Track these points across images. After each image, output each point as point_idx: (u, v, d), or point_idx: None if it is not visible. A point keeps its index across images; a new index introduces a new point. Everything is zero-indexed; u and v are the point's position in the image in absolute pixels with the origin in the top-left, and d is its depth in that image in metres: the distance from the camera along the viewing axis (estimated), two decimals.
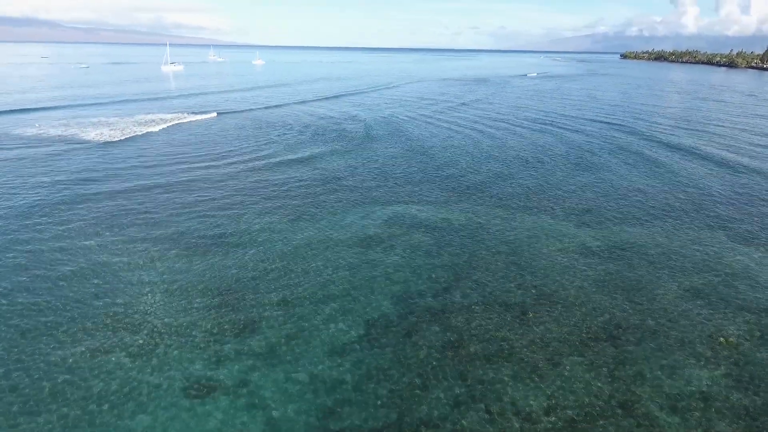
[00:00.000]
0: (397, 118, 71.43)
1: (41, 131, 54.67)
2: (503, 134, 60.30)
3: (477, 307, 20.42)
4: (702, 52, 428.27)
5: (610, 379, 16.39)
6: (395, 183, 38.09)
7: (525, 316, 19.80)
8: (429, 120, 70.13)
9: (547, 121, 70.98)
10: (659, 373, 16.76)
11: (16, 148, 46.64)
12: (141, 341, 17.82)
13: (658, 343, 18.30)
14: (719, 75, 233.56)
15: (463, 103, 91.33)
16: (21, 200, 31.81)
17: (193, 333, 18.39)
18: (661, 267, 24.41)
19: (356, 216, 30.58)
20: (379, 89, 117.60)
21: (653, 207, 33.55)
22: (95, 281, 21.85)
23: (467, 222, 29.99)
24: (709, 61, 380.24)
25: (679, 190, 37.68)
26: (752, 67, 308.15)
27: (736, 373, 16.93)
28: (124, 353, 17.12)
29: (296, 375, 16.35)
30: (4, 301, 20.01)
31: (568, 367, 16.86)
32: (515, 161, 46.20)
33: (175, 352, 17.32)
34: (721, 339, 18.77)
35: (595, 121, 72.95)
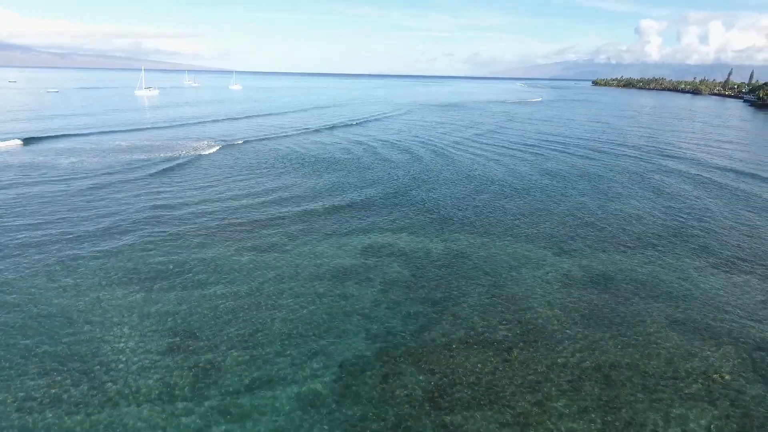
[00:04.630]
0: (372, 142, 70.70)
1: None
2: (481, 159, 59.99)
3: (458, 346, 18.98)
4: (668, 80, 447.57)
5: (602, 427, 15.05)
6: (371, 210, 36.78)
7: (510, 355, 18.42)
8: (406, 144, 69.58)
9: (526, 147, 71.27)
10: (654, 416, 15.52)
11: None
12: (79, 394, 15.73)
13: (651, 383, 17.11)
14: (685, 101, 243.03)
15: (442, 128, 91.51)
16: None
17: (144, 381, 16.39)
18: (648, 297, 23.49)
19: (329, 246, 29.04)
20: (358, 114, 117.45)
21: (637, 233, 33.00)
22: (41, 317, 19.61)
23: (446, 251, 28.76)
24: (675, 88, 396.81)
25: (664, 215, 37.40)
26: (714, 94, 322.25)
27: (734, 413, 15.82)
28: (58, 409, 15.00)
29: (258, 429, 14.51)
30: None
31: (557, 414, 15.47)
32: (493, 186, 45.57)
33: (129, 401, 15.30)
34: (716, 375, 17.73)
35: (576, 146, 73.65)
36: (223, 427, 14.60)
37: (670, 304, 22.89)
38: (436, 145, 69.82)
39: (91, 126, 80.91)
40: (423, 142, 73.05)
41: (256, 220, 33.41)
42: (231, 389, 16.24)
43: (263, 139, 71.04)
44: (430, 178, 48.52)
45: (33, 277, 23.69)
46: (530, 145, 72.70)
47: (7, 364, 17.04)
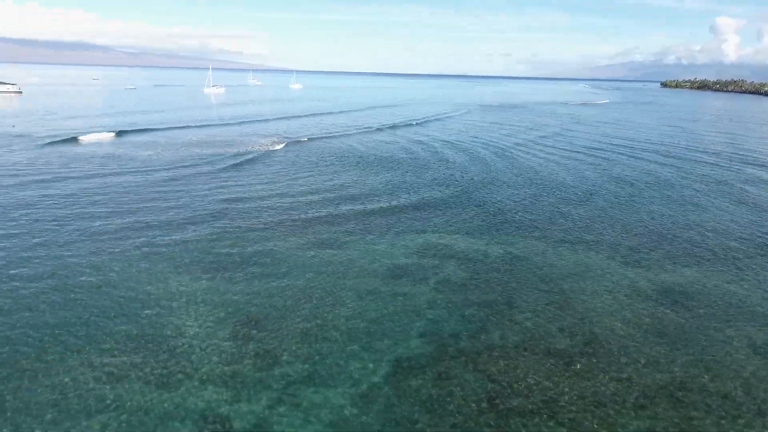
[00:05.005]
0: (431, 142, 70.44)
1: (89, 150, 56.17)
2: (545, 162, 58.27)
3: (515, 352, 18.56)
4: (748, 82, 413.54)
5: None
6: (427, 209, 36.67)
7: (571, 367, 17.78)
8: (466, 145, 68.80)
9: (592, 150, 68.46)
10: None
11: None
12: (158, 368, 16.79)
13: (729, 409, 15.95)
14: None
15: (504, 129, 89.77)
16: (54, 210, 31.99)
17: (213, 361, 17.25)
18: (726, 317, 21.88)
19: (385, 244, 29.25)
20: (417, 114, 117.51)
21: (714, 247, 30.85)
22: (119, 298, 21.14)
23: (504, 255, 28.19)
24: (757, 91, 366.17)
25: (746, 229, 34.75)
26: None
27: None
28: (138, 380, 16.09)
29: (316, 420, 14.88)
30: (27, 313, 19.45)
31: None
32: (557, 191, 44.13)
33: (194, 382, 16.18)
34: None
35: (646, 151, 69.91)
36: (281, 414, 15.08)
37: (752, 326, 21.19)
38: (497, 147, 68.56)
39: (167, 121, 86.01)
40: (483, 143, 71.94)
41: (317, 216, 34.23)
42: (289, 378, 16.75)
43: (325, 138, 72.60)
44: (489, 179, 47.71)
45: (113, 261, 25.52)
46: (597, 149, 69.75)
47: (89, 340, 18.47)
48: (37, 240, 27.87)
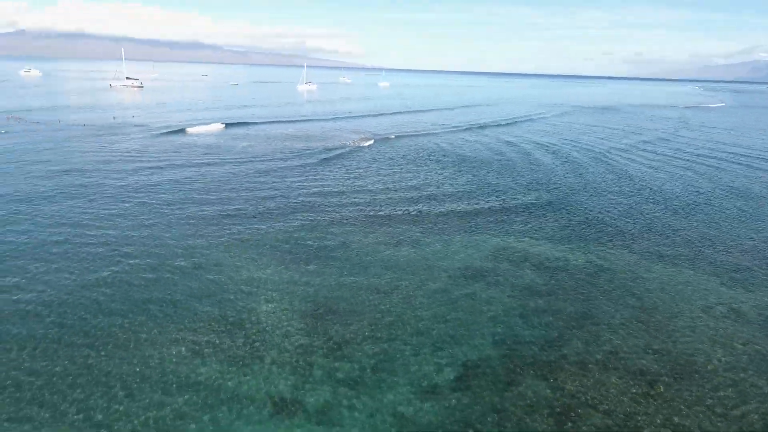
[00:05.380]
0: (521, 143, 68.25)
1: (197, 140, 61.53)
2: (646, 169, 54.17)
3: (593, 368, 17.56)
4: None
5: None
6: (509, 212, 35.67)
7: (656, 390, 16.47)
8: (557, 147, 65.87)
9: (703, 159, 62.43)
10: None
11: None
12: (235, 348, 18.07)
13: None
14: None
15: (601, 132, 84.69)
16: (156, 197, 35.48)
17: (286, 346, 18.23)
18: None
19: (462, 245, 28.92)
20: (508, 114, 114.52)
21: None
22: (206, 281, 23.02)
23: (588, 264, 26.68)
24: None
25: None
26: None
27: None
28: (216, 359, 17.43)
29: (380, 412, 15.18)
30: (124, 287, 21.84)
31: None
32: (657, 200, 40.86)
33: (266, 365, 17.22)
34: None
35: (765, 160, 62.49)
36: (346, 405, 15.54)
37: None
38: (592, 150, 64.86)
39: (262, 116, 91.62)
40: (577, 145, 68.39)
41: (396, 213, 34.69)
42: (358, 366, 17.23)
43: (411, 135, 73.08)
44: (579, 184, 45.30)
45: (205, 246, 27.78)
46: (707, 156, 63.49)
47: (176, 318, 20.28)
48: (142, 221, 31.09)
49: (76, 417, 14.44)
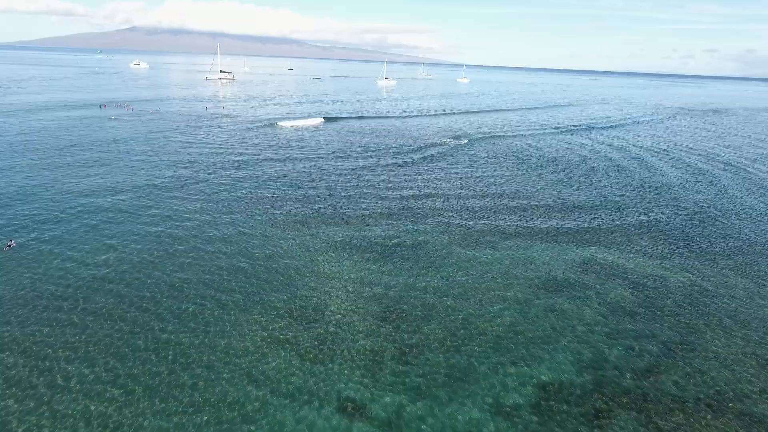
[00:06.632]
0: (618, 147, 63.58)
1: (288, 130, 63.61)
2: (755, 180, 48.25)
3: (695, 406, 15.45)
4: None
5: None
6: (596, 220, 33.05)
7: None
8: (668, 152, 60.62)
9: None
10: None
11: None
12: (304, 343, 17.97)
13: None
14: None
15: (721, 139, 77.00)
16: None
17: (358, 348, 17.85)
18: None
19: (543, 252, 27.10)
20: (600, 115, 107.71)
21: None
22: (284, 273, 23.30)
23: (689, 285, 23.88)
24: None
25: None
26: None
27: None
28: (284, 352, 17.40)
29: (451, 429, 14.30)
30: (203, 275, 22.63)
31: None
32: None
33: (335, 365, 16.94)
34: None
35: None
36: (415, 415, 14.84)
37: None
38: (715, 159, 58.96)
39: (345, 111, 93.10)
40: (695, 153, 62.53)
41: (477, 216, 33.40)
42: (429, 376, 16.45)
43: (501, 137, 69.49)
44: (683, 194, 41.15)
45: (285, 238, 28.27)
46: None
47: (250, 310, 20.63)
48: (224, 210, 32.31)
49: (142, 395, 14.98)
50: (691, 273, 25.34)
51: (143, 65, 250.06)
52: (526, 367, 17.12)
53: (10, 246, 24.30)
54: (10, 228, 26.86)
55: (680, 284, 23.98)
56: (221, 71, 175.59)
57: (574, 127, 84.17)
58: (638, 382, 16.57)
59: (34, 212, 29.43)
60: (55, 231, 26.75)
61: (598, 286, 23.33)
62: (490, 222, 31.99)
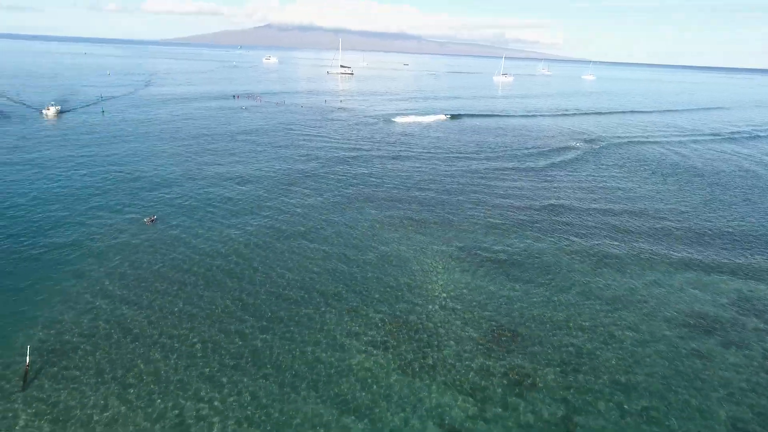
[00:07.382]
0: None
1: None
2: None
3: None
4: None
5: None
6: (753, 247, 27.80)
7: None
8: None
9: None
10: None
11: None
12: (406, 355, 17.01)
13: None
14: None
15: None
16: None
17: (462, 366, 16.48)
18: None
19: (687, 280, 23.24)
20: (752, 121, 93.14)
21: None
22: (388, 279, 22.63)
23: None
24: None
25: None
26: None
27: None
28: (384, 361, 16.58)
29: None
30: (304, 274, 22.70)
31: None
32: None
33: (437, 382, 15.74)
34: None
35: None
36: None
37: None
38: None
39: (461, 107, 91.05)
40: None
41: (602, 228, 30.02)
42: (541, 413, 14.56)
43: (631, 142, 62.19)
44: None
45: (390, 241, 27.67)
46: None
47: (353, 312, 20.16)
48: (332, 209, 32.61)
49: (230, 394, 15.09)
50: None
51: (273, 60, 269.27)
52: (664, 425, 14.41)
53: (153, 220, 26.94)
54: (149, 207, 29.65)
55: None
56: (341, 66, 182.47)
57: (733, 134, 72.96)
58: None
59: (171, 196, 32.23)
60: (183, 217, 28.87)
61: (761, 330, 19.28)
62: (622, 237, 28.41)
